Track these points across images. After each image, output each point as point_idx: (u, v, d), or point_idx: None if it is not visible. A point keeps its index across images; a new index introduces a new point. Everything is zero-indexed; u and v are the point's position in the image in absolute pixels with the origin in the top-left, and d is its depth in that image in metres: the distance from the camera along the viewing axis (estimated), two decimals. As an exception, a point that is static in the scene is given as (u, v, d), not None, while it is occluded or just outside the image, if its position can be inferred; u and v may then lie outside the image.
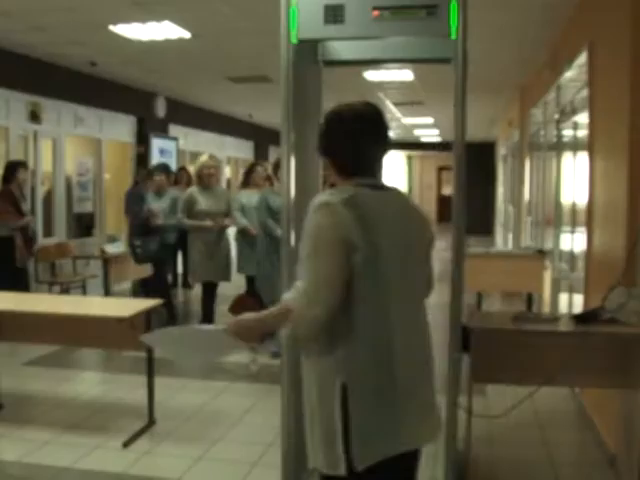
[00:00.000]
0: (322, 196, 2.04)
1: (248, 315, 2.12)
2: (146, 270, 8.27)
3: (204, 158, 6.87)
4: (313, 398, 2.06)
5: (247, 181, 7.26)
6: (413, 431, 2.07)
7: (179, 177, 10.02)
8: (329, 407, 2.00)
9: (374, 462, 1.98)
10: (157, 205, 7.58)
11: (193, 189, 6.89)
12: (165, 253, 7.81)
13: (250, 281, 7.07)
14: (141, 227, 7.65)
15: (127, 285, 9.55)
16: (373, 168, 2.15)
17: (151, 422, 4.51)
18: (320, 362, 2.04)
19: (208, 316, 6.79)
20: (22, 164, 7.24)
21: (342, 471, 1.98)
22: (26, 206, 7.21)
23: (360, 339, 1.98)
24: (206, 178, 6.72)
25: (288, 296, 1.99)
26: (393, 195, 2.16)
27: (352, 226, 1.95)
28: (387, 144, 2.17)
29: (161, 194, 7.71)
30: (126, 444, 4.19)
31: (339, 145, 2.14)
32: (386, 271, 2.01)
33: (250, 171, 7.34)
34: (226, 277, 6.89)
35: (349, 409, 1.97)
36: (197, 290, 7.07)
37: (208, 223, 6.63)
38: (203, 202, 6.69)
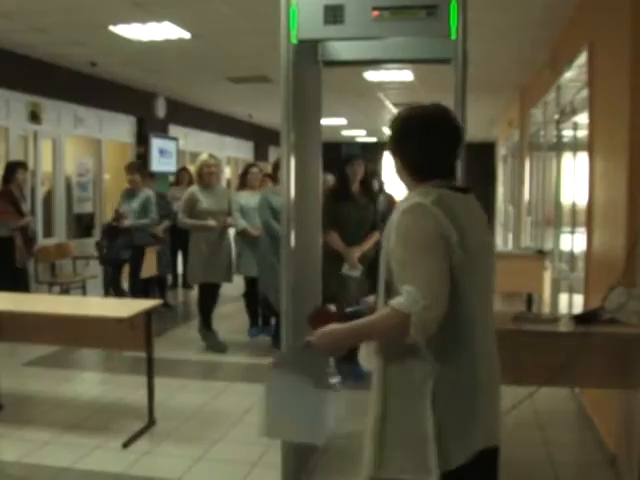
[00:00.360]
0: (411, 198, 2.03)
1: (338, 325, 2.07)
2: (147, 270, 8.27)
3: (204, 157, 6.79)
4: (397, 404, 2.03)
5: (243, 183, 7.25)
6: (492, 427, 2.09)
7: (180, 177, 10.01)
8: (420, 410, 1.98)
9: (465, 460, 1.98)
10: (126, 206, 7.48)
11: (194, 188, 6.78)
12: (135, 255, 7.57)
13: (249, 282, 7.07)
14: (110, 228, 7.53)
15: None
16: (448, 170, 2.14)
17: (151, 422, 4.51)
18: (409, 364, 2.02)
19: (206, 318, 6.75)
20: (21, 164, 7.24)
21: (435, 475, 1.95)
22: (26, 206, 7.21)
23: (449, 339, 1.99)
24: (207, 177, 6.63)
25: (399, 301, 1.90)
26: (470, 197, 2.16)
27: (447, 226, 1.95)
28: (460, 145, 2.16)
29: (134, 194, 7.59)
30: (126, 444, 4.19)
31: (414, 147, 2.12)
32: (473, 271, 2.01)
33: (246, 172, 7.33)
34: (228, 278, 6.79)
35: (437, 409, 1.97)
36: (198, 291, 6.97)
37: (211, 222, 6.53)
38: (205, 201, 6.58)
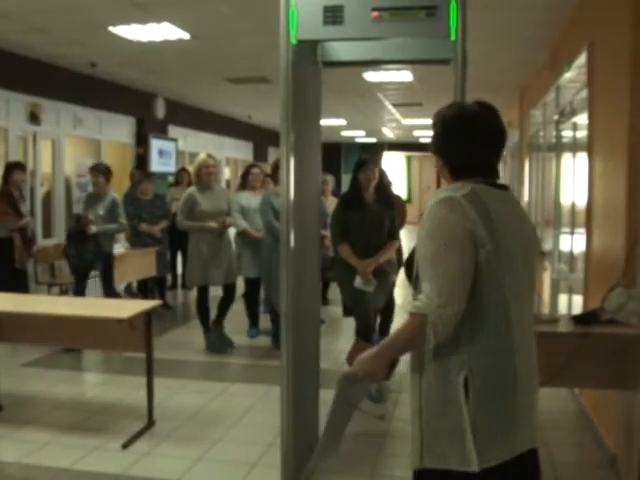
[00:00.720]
0: (442, 192, 2.04)
1: (368, 351, 2.07)
2: (146, 270, 8.27)
3: (202, 157, 6.67)
4: (433, 397, 2.03)
5: (244, 183, 7.20)
6: (528, 431, 2.06)
7: (180, 178, 10.01)
8: (454, 404, 1.98)
9: (502, 460, 1.97)
10: (92, 212, 6.93)
11: (192, 189, 6.66)
12: (105, 264, 7.10)
13: (250, 284, 7.05)
14: (76, 235, 6.90)
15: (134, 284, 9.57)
16: (490, 168, 2.13)
17: (150, 423, 4.51)
18: (443, 360, 2.00)
19: (205, 320, 6.70)
20: (17, 165, 7.22)
21: (476, 466, 1.95)
22: (25, 207, 7.20)
23: (482, 335, 1.98)
24: (205, 177, 6.51)
25: (415, 304, 1.94)
26: (510, 195, 2.16)
27: (477, 220, 1.95)
28: (503, 146, 2.15)
29: (99, 198, 7.06)
30: (125, 445, 4.19)
31: (456, 148, 2.11)
32: (507, 268, 2.00)
33: (247, 173, 7.27)
34: (230, 278, 6.68)
35: (473, 407, 1.96)
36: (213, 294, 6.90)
37: (211, 224, 6.43)
38: (204, 202, 6.48)
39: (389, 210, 5.37)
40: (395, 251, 5.55)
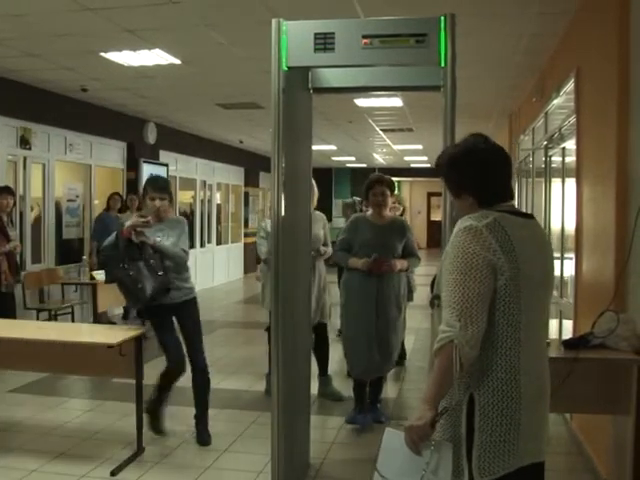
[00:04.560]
0: (467, 220, 2.12)
1: (415, 418, 2.05)
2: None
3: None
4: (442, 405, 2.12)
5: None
6: (538, 443, 2.16)
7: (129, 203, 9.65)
8: (457, 418, 2.11)
9: (505, 472, 2.07)
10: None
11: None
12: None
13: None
14: None
15: (119, 311, 9.54)
16: (508, 194, 2.24)
17: (140, 450, 4.46)
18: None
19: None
20: (4, 189, 7.19)
21: (466, 477, 2.08)
22: (12, 231, 7.14)
23: (493, 354, 2.08)
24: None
25: (440, 337, 2.02)
26: (533, 222, 2.27)
27: (497, 250, 2.05)
28: (511, 168, 2.28)
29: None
30: (114, 472, 4.14)
31: (478, 178, 2.21)
32: (524, 293, 2.09)
33: None
34: (323, 317, 5.85)
35: (474, 422, 2.07)
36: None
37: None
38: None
39: (401, 232, 5.00)
40: (406, 284, 5.16)
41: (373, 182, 5.03)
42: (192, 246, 11.82)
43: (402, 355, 5.87)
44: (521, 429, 2.08)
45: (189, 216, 13.28)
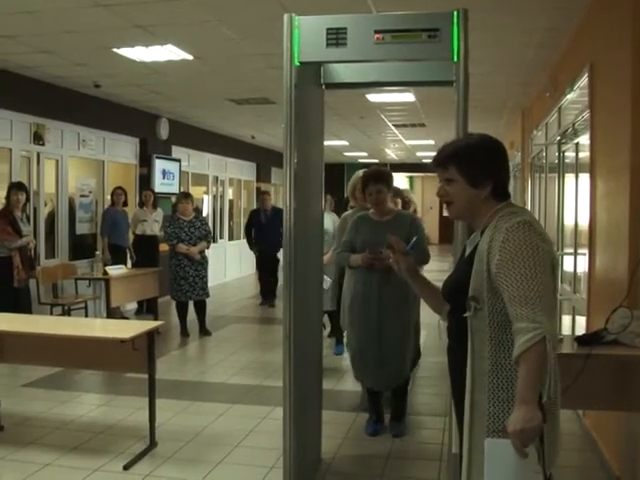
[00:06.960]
0: (513, 216, 2.16)
1: (514, 415, 2.01)
2: (147, 292, 8.27)
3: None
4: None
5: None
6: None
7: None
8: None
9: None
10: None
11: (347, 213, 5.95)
12: None
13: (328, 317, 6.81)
14: None
15: (133, 306, 9.59)
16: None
17: (152, 444, 4.48)
18: (502, 369, 2.13)
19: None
20: (15, 185, 7.24)
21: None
22: (25, 227, 7.19)
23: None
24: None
25: (528, 336, 1.98)
26: None
27: (549, 242, 2.15)
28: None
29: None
30: (127, 467, 4.16)
31: (503, 166, 2.34)
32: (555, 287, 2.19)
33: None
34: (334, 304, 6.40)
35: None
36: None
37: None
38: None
39: (406, 226, 4.68)
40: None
41: (366, 180, 4.82)
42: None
43: (417, 354, 5.82)
44: (558, 421, 2.17)
45: (200, 211, 13.30)
